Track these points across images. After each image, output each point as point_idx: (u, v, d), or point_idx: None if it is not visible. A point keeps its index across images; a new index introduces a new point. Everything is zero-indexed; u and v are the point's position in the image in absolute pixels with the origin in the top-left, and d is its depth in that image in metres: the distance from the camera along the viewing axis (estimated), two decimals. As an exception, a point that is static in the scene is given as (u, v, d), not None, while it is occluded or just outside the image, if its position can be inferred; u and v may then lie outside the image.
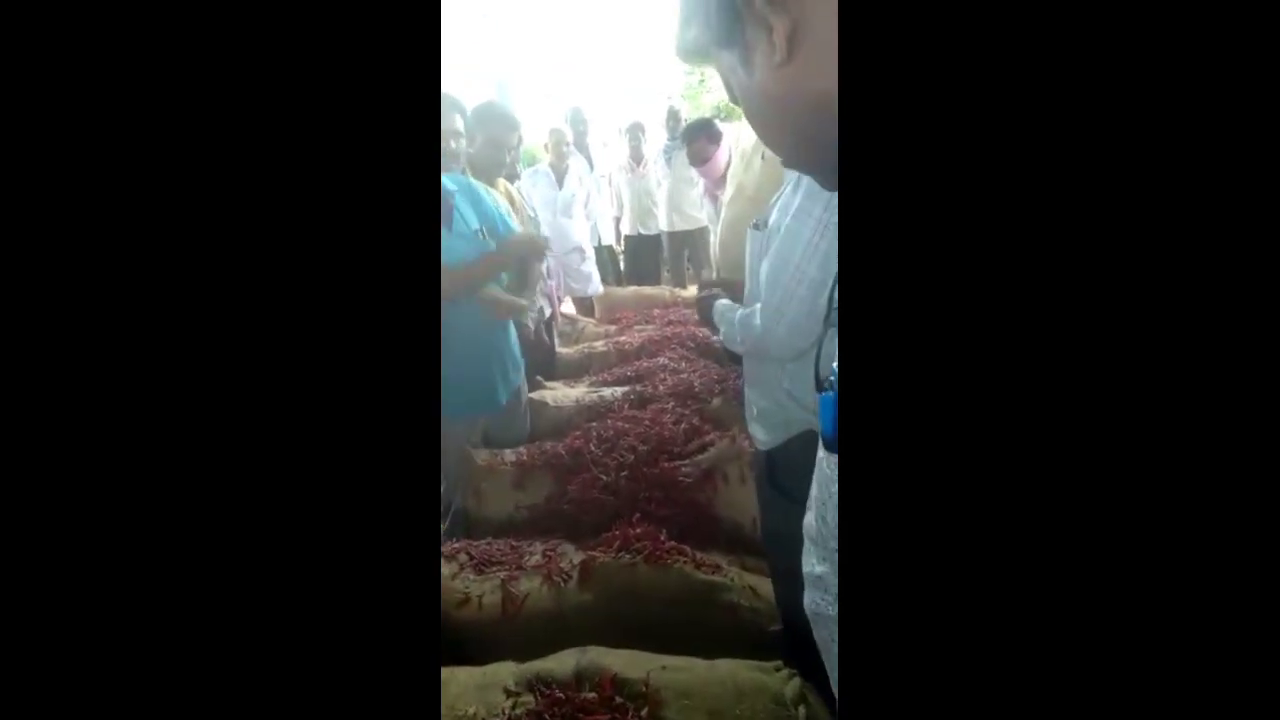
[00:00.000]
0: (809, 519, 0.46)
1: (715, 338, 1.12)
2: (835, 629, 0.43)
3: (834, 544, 0.42)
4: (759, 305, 0.88)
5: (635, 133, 3.59)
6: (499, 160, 1.82)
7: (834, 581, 0.42)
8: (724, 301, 1.06)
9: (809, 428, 0.88)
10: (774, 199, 0.91)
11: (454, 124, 1.57)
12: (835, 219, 0.77)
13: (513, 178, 2.15)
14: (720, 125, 2.45)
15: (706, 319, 1.11)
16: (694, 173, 2.68)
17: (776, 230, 0.85)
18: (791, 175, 0.86)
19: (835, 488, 0.41)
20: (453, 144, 1.55)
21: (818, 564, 0.44)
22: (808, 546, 0.46)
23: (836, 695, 0.43)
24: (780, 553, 1.02)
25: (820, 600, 0.44)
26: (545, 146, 3.11)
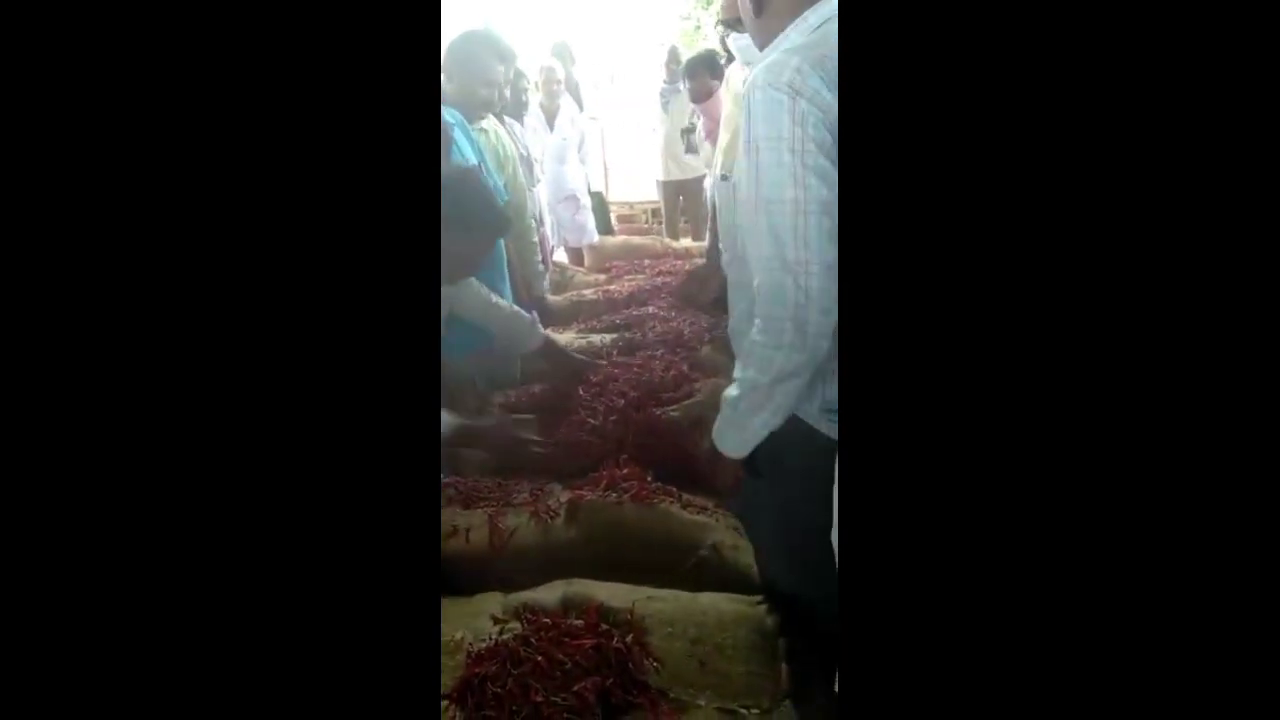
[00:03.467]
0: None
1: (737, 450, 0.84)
2: None
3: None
4: (765, 320, 0.73)
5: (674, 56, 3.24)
6: (484, 98, 1.58)
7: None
8: (718, 426, 0.84)
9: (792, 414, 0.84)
10: (728, 139, 0.85)
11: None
12: (808, 129, 0.68)
13: (517, 115, 2.01)
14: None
15: (727, 463, 0.88)
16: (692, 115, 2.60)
17: (741, 175, 0.75)
18: (743, 111, 0.74)
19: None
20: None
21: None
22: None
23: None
24: (754, 523, 1.03)
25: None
26: (535, 85, 2.99)
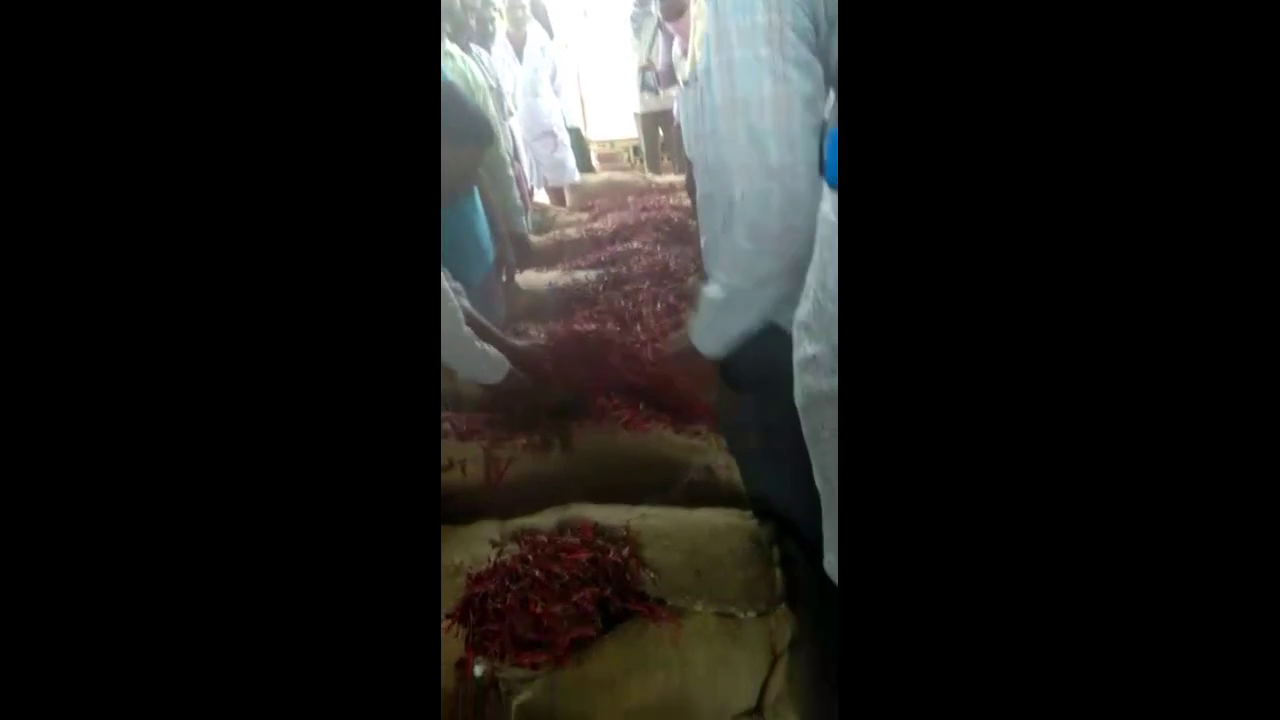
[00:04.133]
0: (802, 309, 0.44)
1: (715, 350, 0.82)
2: (831, 411, 0.43)
3: (832, 310, 0.41)
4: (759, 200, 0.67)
5: None
6: (458, 23, 1.53)
7: (831, 357, 0.42)
8: (679, 334, 0.83)
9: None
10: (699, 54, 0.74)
11: None
12: (784, 16, 0.62)
13: (484, 43, 1.90)
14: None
15: (707, 364, 0.85)
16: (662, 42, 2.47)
17: (709, 76, 0.69)
18: (710, 3, 0.68)
19: (834, 259, 0.40)
20: None
21: (811, 346, 0.43)
22: (799, 336, 0.45)
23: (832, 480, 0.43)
24: (737, 440, 1.03)
25: (814, 382, 0.43)
26: (500, 12, 2.82)
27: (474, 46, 1.89)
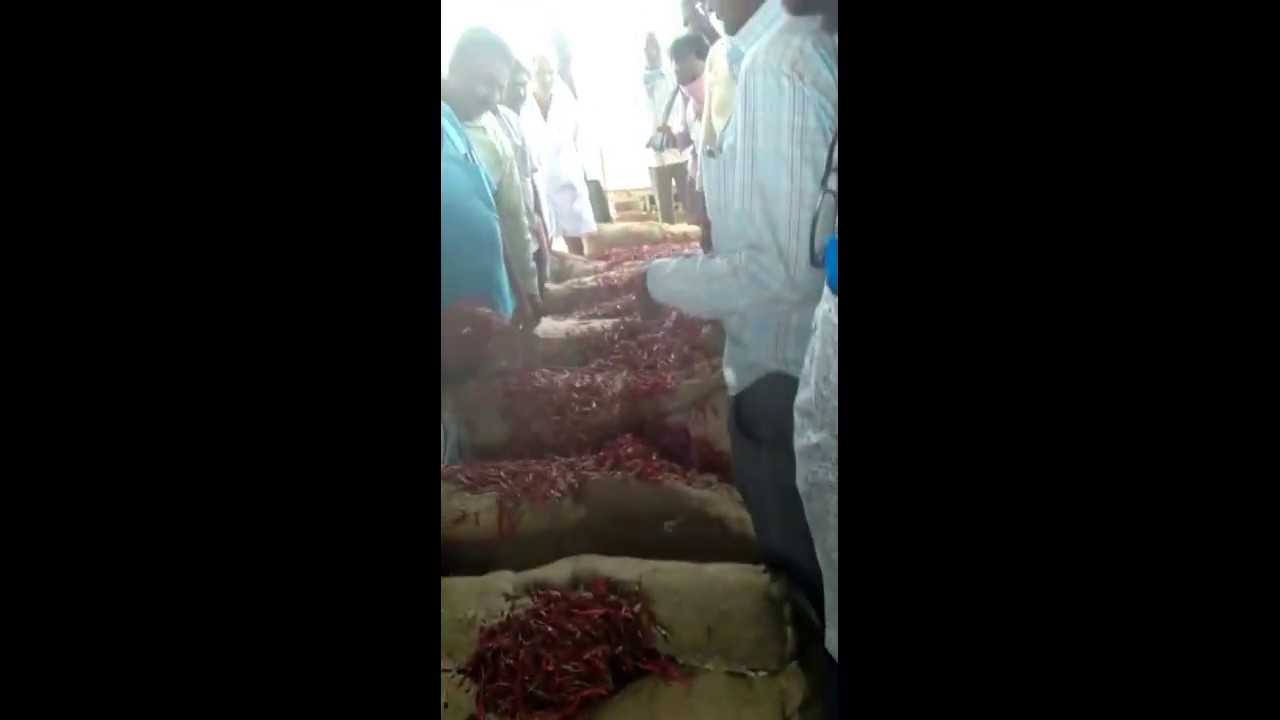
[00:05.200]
0: (804, 395, 0.46)
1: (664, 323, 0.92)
2: (832, 498, 0.44)
3: (834, 403, 0.43)
4: (757, 250, 0.74)
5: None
6: (483, 96, 1.59)
7: (832, 446, 0.43)
8: (661, 261, 0.89)
9: (775, 370, 0.84)
10: (724, 123, 0.81)
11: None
12: (808, 119, 0.68)
13: (514, 105, 2.01)
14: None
15: (650, 301, 0.92)
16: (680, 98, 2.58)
17: (734, 155, 0.75)
18: (739, 91, 0.74)
19: (835, 355, 0.42)
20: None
21: (814, 434, 0.45)
22: (801, 423, 0.47)
23: (834, 562, 0.44)
24: (750, 492, 1.03)
25: (817, 469, 0.45)
26: (530, 74, 2.98)
27: (502, 109, 2.00)
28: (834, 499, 0.44)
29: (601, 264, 2.73)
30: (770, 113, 0.69)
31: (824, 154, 0.68)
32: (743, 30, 0.80)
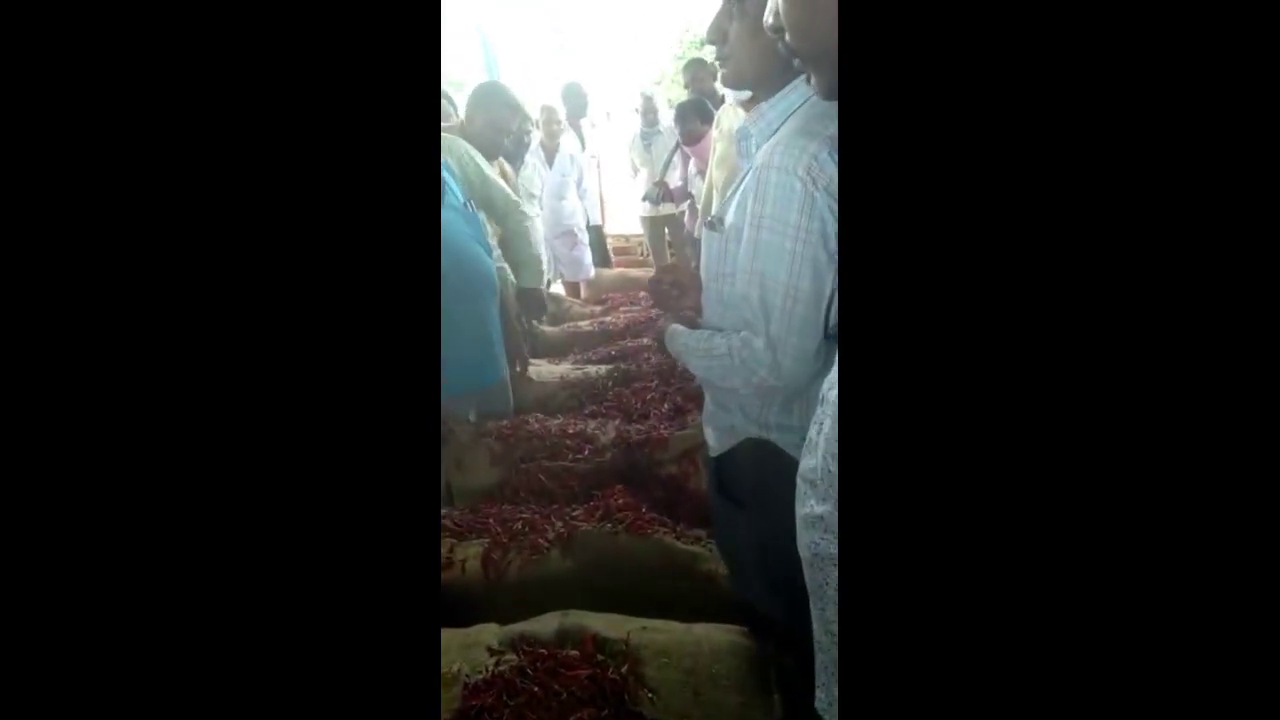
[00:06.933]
0: (808, 463, 0.47)
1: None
2: (833, 570, 0.45)
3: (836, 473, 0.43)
4: (749, 333, 0.78)
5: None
6: (496, 143, 1.82)
7: (836, 518, 0.44)
8: (678, 327, 0.92)
9: (755, 436, 0.86)
10: (729, 193, 0.84)
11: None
12: (813, 223, 0.71)
13: (513, 160, 2.13)
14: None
15: (665, 347, 0.97)
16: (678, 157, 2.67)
17: (738, 234, 0.79)
18: (751, 183, 0.77)
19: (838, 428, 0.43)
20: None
21: (817, 505, 0.46)
22: (804, 490, 0.47)
23: (834, 638, 0.44)
24: (734, 554, 1.03)
25: (820, 540, 0.45)
26: (536, 124, 3.08)
27: (500, 160, 2.08)
28: (835, 572, 0.45)
29: (598, 308, 2.77)
30: (780, 209, 0.72)
31: (824, 255, 0.71)
32: (752, 114, 0.84)
